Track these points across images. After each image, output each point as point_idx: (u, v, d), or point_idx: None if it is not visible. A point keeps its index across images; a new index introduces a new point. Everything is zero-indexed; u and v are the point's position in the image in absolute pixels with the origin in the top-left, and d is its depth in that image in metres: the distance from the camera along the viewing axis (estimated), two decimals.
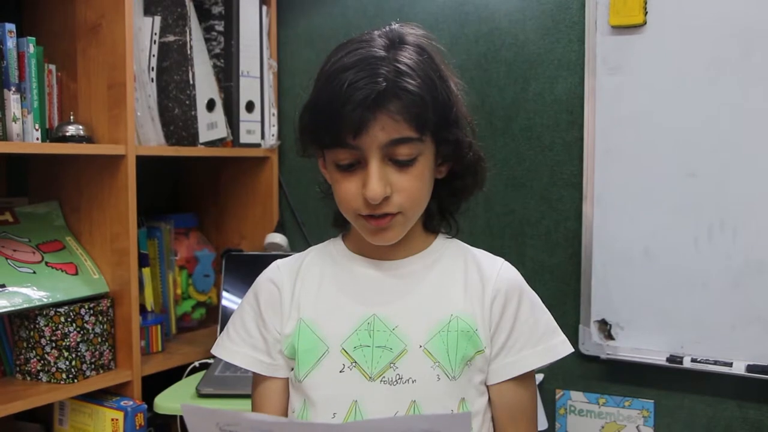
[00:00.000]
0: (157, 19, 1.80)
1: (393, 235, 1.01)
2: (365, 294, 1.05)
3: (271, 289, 1.09)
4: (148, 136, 1.76)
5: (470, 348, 1.02)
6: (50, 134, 1.62)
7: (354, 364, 1.01)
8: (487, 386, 1.05)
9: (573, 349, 1.08)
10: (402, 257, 1.06)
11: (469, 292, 1.04)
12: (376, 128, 0.93)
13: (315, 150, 1.04)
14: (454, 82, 1.02)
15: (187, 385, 1.69)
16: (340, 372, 1.01)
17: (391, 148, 0.95)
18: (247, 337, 1.09)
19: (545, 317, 1.07)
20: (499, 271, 1.06)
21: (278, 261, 1.13)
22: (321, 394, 1.02)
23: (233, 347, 1.10)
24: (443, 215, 1.11)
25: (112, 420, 1.60)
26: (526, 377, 1.06)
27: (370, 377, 1.00)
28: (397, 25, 1.02)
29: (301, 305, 1.06)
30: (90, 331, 1.61)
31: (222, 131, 1.93)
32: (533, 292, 1.09)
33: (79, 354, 1.59)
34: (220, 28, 1.96)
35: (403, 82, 0.93)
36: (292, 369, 1.06)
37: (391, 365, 1.00)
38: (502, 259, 1.09)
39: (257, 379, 1.10)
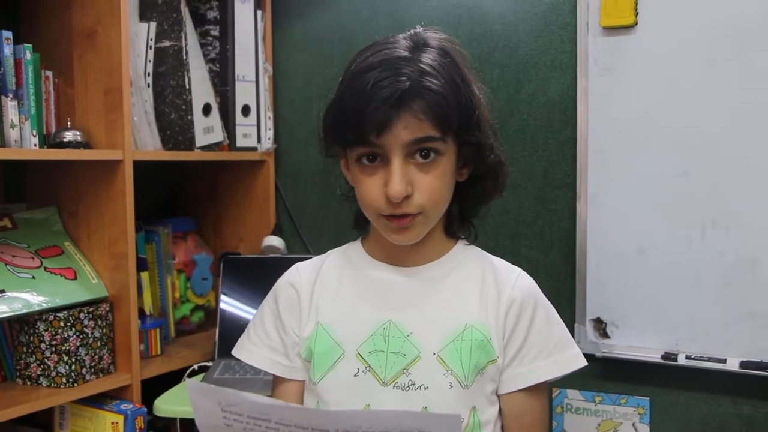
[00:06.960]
0: (153, 24, 1.81)
1: (414, 234, 1.01)
2: (382, 299, 1.05)
3: (290, 292, 1.10)
4: (144, 141, 1.77)
5: (483, 357, 1.01)
6: (48, 140, 1.63)
7: (368, 368, 1.01)
8: (498, 396, 1.05)
9: (586, 363, 1.07)
10: (421, 263, 1.07)
11: (484, 300, 1.04)
12: (399, 127, 0.94)
13: (338, 150, 1.04)
14: (477, 86, 1.03)
15: (186, 388, 1.69)
16: (355, 376, 1.02)
17: (413, 147, 0.96)
18: (266, 338, 1.10)
19: (559, 329, 1.07)
20: (516, 281, 1.06)
21: (298, 264, 1.14)
22: (335, 398, 1.02)
23: (252, 348, 1.11)
24: (463, 219, 1.11)
25: (113, 423, 1.61)
26: (538, 388, 1.05)
27: (383, 382, 1.01)
28: (420, 28, 1.03)
29: (319, 308, 1.07)
30: (89, 336, 1.62)
31: (218, 135, 1.94)
32: (549, 303, 1.09)
33: (78, 358, 1.59)
34: (215, 32, 1.97)
35: (426, 81, 0.94)
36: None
37: (405, 371, 1.01)
38: (519, 269, 1.09)
39: (276, 380, 1.11)
